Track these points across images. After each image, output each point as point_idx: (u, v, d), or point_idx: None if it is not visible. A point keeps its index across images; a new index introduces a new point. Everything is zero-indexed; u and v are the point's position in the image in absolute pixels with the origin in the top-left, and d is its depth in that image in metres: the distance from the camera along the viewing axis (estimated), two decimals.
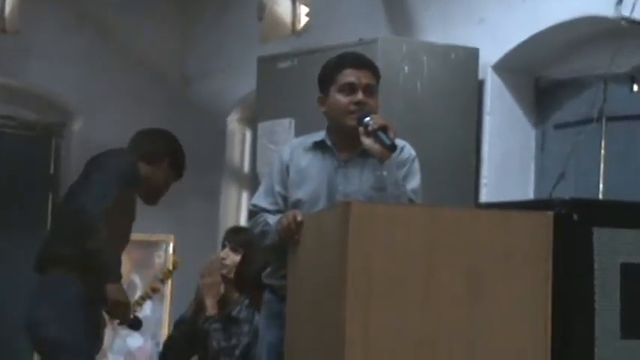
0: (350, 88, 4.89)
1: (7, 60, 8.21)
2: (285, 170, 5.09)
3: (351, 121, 4.81)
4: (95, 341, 5.88)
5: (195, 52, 9.11)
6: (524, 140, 6.62)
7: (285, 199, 5.01)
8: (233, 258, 6.22)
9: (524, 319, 4.02)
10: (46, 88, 8.59)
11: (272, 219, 5.01)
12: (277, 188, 5.08)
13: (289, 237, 4.80)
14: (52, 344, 5.74)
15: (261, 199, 5.13)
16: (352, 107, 4.85)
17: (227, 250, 6.33)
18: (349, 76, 4.92)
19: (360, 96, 4.85)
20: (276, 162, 5.18)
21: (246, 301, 6.55)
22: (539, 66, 6.49)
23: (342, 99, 4.89)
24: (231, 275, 6.23)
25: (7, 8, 8.24)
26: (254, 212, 5.14)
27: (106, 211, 5.34)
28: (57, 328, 5.59)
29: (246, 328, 6.46)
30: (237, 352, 6.47)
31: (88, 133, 8.66)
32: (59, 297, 5.58)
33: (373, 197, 4.76)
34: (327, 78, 4.97)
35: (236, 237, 6.40)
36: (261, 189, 5.18)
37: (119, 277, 5.43)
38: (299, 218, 4.77)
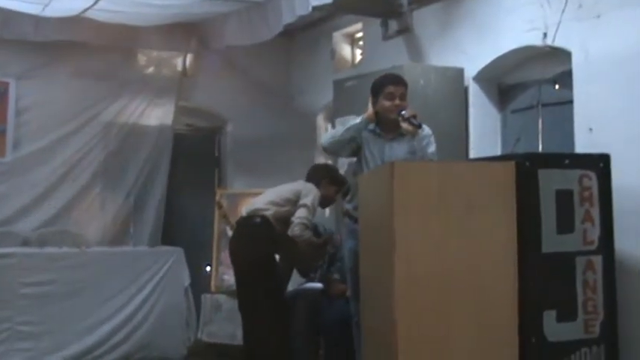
0: (391, 96, 5.01)
1: (188, 91, 8.53)
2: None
3: (393, 116, 5.01)
4: None
5: (296, 79, 8.99)
6: (493, 121, 6.41)
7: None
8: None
9: (499, 227, 4.11)
10: (209, 106, 8.83)
11: (342, 127, 5.16)
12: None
13: (371, 119, 5.03)
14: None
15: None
16: (393, 108, 5.01)
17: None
18: (390, 88, 5.03)
19: (397, 101, 5.01)
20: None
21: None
22: (500, 76, 6.34)
23: (386, 103, 5.03)
24: None
25: (188, 62, 8.43)
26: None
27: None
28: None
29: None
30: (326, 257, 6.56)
31: (236, 132, 8.91)
32: None
33: (408, 159, 4.91)
34: (377, 89, 5.09)
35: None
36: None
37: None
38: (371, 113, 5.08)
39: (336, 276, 6.29)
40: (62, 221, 7.61)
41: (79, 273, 7.11)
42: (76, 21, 6.94)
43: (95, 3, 6.33)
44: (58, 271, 7.03)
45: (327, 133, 5.56)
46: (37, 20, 6.94)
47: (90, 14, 6.73)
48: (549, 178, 4.26)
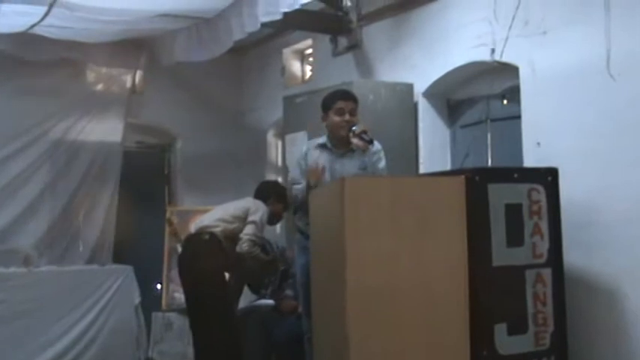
0: (341, 112, 5.04)
1: (137, 109, 8.58)
2: (304, 159, 5.19)
3: (343, 132, 5.04)
4: None
5: (246, 95, 9.11)
6: (443, 136, 6.49)
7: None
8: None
9: (450, 241, 4.12)
10: (159, 123, 8.92)
11: (298, 186, 5.16)
12: (301, 169, 5.20)
13: (314, 176, 4.98)
14: None
15: (295, 175, 5.28)
16: (343, 124, 5.05)
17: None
18: (340, 104, 5.07)
19: (347, 117, 5.05)
20: (299, 155, 5.29)
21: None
22: (449, 91, 6.40)
23: (336, 118, 5.07)
24: None
25: (137, 79, 8.53)
26: (292, 183, 5.31)
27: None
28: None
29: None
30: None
31: (186, 149, 9.01)
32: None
33: (359, 174, 4.95)
34: (327, 105, 5.13)
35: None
36: (295, 170, 5.31)
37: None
38: (320, 166, 4.99)
39: (289, 292, 6.33)
40: (9, 240, 7.52)
41: (27, 293, 7.04)
42: (24, 37, 6.87)
43: (42, 19, 6.26)
44: (6, 292, 6.97)
45: (293, 171, 5.40)
46: None
47: (37, 30, 6.67)
48: (499, 192, 4.27)
